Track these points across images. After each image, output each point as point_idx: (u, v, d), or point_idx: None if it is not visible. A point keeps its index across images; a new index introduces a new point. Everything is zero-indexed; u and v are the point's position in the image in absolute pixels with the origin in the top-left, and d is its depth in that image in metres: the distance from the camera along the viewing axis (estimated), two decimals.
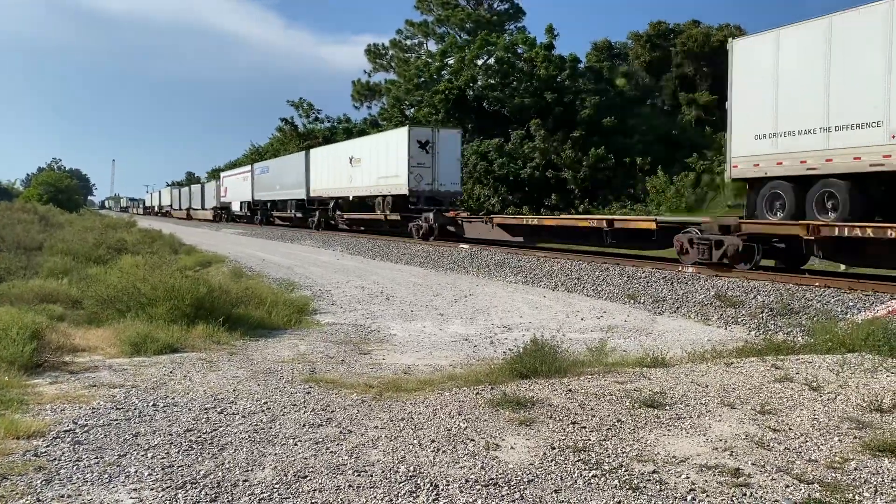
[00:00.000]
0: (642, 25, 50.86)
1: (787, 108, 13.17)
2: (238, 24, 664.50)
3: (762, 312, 10.24)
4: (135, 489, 3.92)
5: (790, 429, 4.85)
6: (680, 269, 14.19)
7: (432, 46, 51.24)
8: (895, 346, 6.85)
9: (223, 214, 57.50)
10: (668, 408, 5.37)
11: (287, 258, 21.77)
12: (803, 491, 3.82)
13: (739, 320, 10.15)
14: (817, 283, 11.51)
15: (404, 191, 26.77)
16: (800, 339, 8.70)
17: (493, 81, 41.91)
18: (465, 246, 22.32)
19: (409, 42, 53.00)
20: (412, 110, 46.21)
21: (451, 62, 45.20)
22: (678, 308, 11.32)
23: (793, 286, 11.52)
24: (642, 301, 12.05)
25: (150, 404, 5.64)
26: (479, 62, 43.98)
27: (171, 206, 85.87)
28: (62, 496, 3.81)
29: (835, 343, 7.31)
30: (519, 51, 43.25)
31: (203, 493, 3.87)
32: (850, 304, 10.15)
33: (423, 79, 45.43)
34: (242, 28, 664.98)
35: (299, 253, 24.36)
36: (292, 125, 61.51)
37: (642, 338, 9.25)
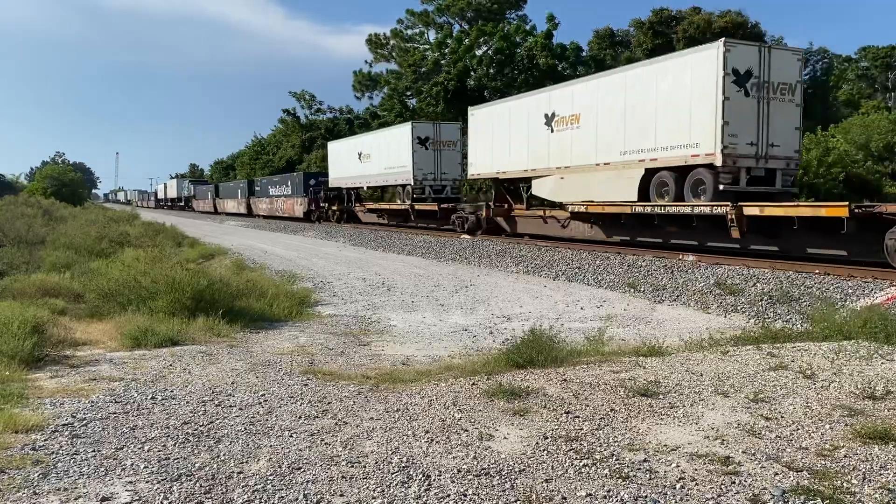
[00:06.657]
0: (644, 12, 50.59)
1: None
2: (238, 14, 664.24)
3: (762, 300, 10.24)
4: (130, 482, 3.97)
5: (782, 417, 4.87)
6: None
7: (433, 36, 50.97)
8: (891, 334, 6.86)
9: None
10: (661, 397, 5.39)
11: (289, 250, 21.83)
12: (792, 479, 3.85)
13: (739, 308, 10.15)
14: (817, 271, 11.51)
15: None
16: (799, 326, 8.70)
17: (492, 71, 41.70)
18: (467, 236, 22.47)
19: (409, 32, 52.71)
20: (413, 101, 46.03)
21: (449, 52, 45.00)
22: (678, 296, 11.32)
23: (793, 273, 11.52)
24: (642, 290, 12.06)
25: (149, 397, 5.69)
26: (479, 52, 43.75)
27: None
28: (59, 489, 3.86)
29: (832, 330, 7.31)
30: (518, 40, 43.00)
31: (198, 485, 3.92)
32: (850, 291, 10.14)
33: (423, 69, 45.25)
34: (243, 18, 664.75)
35: (302, 245, 24.40)
36: (294, 116, 61.39)
37: (641, 326, 9.26)
